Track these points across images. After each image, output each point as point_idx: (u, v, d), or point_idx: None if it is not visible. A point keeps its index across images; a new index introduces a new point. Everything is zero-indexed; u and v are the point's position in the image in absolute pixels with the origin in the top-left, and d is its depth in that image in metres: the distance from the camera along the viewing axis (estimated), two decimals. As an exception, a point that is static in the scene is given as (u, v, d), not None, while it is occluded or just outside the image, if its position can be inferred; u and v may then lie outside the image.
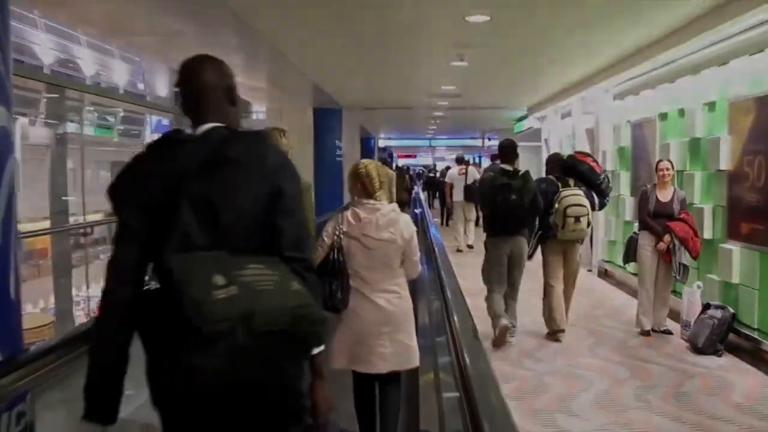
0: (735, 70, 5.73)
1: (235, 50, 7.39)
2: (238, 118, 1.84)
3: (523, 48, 7.24)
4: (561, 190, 5.72)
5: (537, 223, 5.74)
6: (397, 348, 3.16)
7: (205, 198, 1.66)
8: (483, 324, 5.68)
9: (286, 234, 1.70)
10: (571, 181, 5.84)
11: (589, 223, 5.66)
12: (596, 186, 5.90)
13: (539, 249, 5.93)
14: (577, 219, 5.55)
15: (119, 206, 1.73)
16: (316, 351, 1.75)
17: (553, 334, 5.78)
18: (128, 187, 1.74)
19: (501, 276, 5.57)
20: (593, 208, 5.82)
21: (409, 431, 3.42)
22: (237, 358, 1.52)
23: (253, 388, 1.62)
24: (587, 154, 6.38)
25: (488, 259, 5.66)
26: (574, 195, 5.66)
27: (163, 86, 11.36)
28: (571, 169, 5.94)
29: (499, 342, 5.51)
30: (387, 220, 3.13)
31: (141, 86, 10.96)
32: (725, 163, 5.77)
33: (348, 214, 3.21)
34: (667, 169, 5.82)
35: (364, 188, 3.17)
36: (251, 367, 1.57)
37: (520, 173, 5.50)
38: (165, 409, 1.72)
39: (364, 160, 3.36)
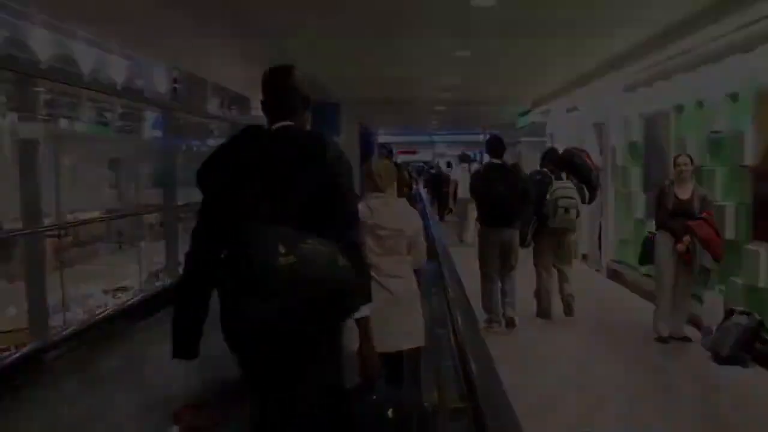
0: (762, 58, 5.29)
1: (230, 43, 7.13)
2: (308, 121, 2.22)
3: (529, 35, 6.87)
4: (554, 182, 6.14)
5: (533, 213, 6.14)
6: (405, 328, 3.47)
7: (274, 183, 2.00)
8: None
9: (338, 219, 2.03)
10: (564, 175, 6.26)
11: (578, 214, 6.17)
12: (588, 179, 6.35)
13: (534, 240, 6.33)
14: (567, 210, 6.04)
15: (202, 187, 2.08)
16: (359, 315, 2.09)
17: (544, 314, 6.34)
18: (210, 171, 2.08)
19: (494, 263, 5.99)
20: (583, 201, 6.29)
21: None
22: (286, 313, 1.81)
23: (292, 335, 1.90)
24: (581, 150, 6.86)
25: (482, 248, 6.07)
26: (564, 188, 6.12)
27: (160, 82, 11.04)
28: (567, 162, 6.37)
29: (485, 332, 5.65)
30: (397, 212, 3.58)
31: (139, 82, 10.68)
32: (750, 158, 5.38)
33: (360, 206, 3.50)
34: (686, 165, 5.45)
35: (375, 185, 3.61)
36: (295, 320, 1.84)
37: (509, 166, 5.98)
38: (233, 344, 1.99)
39: (376, 161, 3.91)
